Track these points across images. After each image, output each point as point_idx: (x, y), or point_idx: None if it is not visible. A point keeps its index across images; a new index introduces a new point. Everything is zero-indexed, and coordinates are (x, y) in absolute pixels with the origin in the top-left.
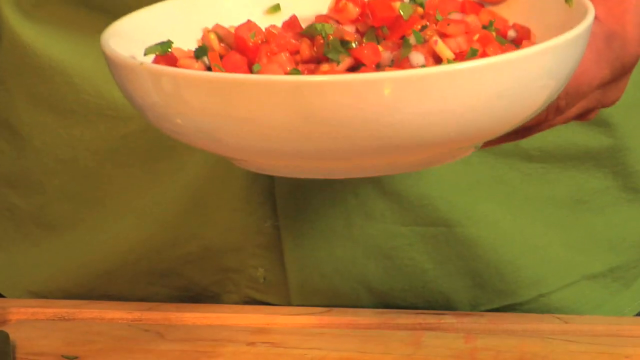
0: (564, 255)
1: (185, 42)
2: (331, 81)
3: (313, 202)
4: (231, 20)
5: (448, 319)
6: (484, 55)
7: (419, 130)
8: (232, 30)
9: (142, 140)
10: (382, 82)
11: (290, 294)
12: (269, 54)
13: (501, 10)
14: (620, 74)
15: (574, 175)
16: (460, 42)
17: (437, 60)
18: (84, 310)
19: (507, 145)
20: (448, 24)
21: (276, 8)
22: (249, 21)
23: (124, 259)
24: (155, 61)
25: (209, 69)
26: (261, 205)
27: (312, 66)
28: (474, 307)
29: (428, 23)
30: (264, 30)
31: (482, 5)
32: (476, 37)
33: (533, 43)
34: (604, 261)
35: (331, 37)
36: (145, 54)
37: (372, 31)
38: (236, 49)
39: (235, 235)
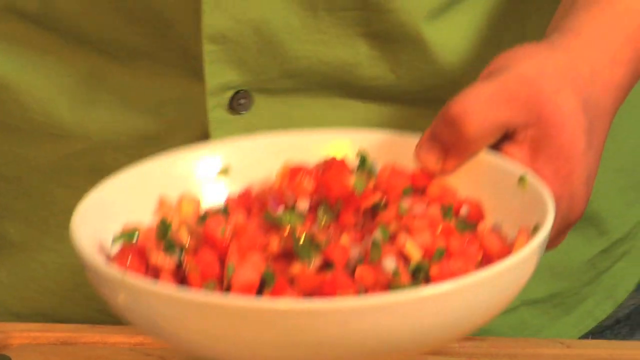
0: None
1: (145, 212)
2: (320, 309)
3: None
4: (184, 184)
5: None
6: (449, 253)
7: (389, 344)
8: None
9: (85, 161)
10: (365, 310)
11: None
12: (240, 251)
13: (450, 180)
14: (565, 230)
15: None
16: (425, 238)
17: (405, 258)
18: (86, 334)
19: None
20: (414, 219)
21: (226, 170)
22: (217, 216)
23: (74, 281)
24: (123, 252)
25: (180, 262)
26: None
27: (282, 264)
28: None
29: (384, 199)
30: (225, 203)
31: (430, 177)
32: (439, 229)
33: (484, 219)
34: (545, 288)
35: (303, 236)
36: (112, 242)
37: (326, 204)
38: (206, 243)
39: None
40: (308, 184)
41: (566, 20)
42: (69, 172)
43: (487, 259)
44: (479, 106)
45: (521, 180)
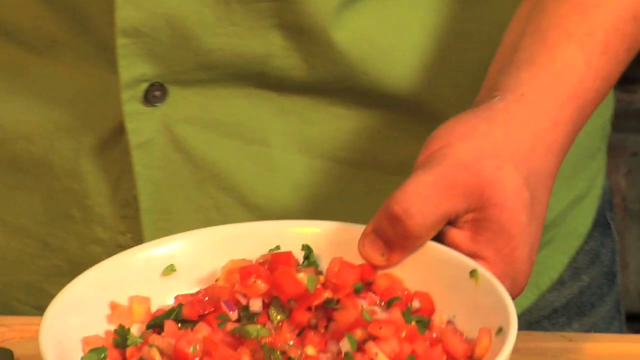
0: None
1: (99, 316)
2: None
3: (176, 216)
4: (134, 285)
5: None
6: (418, 358)
7: None
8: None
9: (4, 154)
10: None
11: None
12: None
13: (398, 272)
14: None
15: None
16: (393, 345)
17: None
18: None
19: (371, 159)
20: (380, 327)
21: (171, 269)
22: (187, 332)
23: None
24: None
25: None
26: (123, 220)
27: None
28: None
29: (333, 297)
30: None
31: (375, 270)
32: (404, 333)
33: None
34: None
35: (272, 348)
36: None
37: (277, 303)
38: None
39: (96, 249)
40: (261, 285)
41: (505, 80)
42: None
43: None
44: (420, 202)
45: (472, 273)
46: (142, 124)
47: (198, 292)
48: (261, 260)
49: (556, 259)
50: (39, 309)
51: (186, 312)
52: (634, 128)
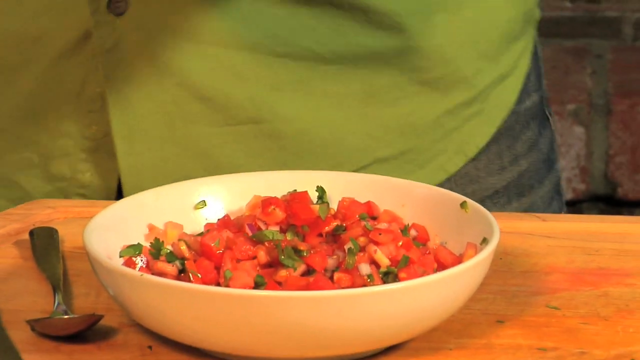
0: (359, 142)
1: (138, 233)
2: (317, 297)
3: (140, 111)
4: (170, 214)
5: None
6: (412, 261)
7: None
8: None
9: None
10: (358, 298)
11: (123, 196)
12: (232, 260)
13: (397, 210)
14: None
15: (365, 73)
16: (391, 249)
17: (376, 264)
18: None
19: (304, 51)
20: (379, 234)
21: (203, 204)
22: (211, 231)
23: None
24: (129, 261)
25: (180, 271)
26: (89, 113)
27: (271, 270)
28: None
29: (342, 223)
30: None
31: (378, 207)
32: (400, 243)
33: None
34: (395, 146)
35: (285, 246)
36: (120, 255)
37: (293, 229)
38: (203, 255)
39: (65, 141)
40: (279, 213)
41: None
42: None
43: (441, 269)
44: None
45: (462, 205)
46: (107, 31)
47: (225, 216)
48: (282, 197)
49: (483, 130)
50: (12, 201)
51: (216, 229)
52: (597, 34)
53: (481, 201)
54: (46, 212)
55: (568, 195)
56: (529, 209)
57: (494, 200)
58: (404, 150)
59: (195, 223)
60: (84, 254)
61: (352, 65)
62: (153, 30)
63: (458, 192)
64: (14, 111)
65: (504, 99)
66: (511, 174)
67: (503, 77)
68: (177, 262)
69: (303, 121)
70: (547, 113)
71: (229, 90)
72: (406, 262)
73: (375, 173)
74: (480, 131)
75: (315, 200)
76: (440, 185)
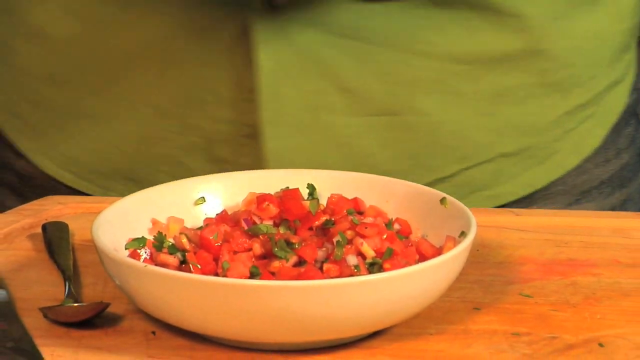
0: (485, 138)
1: (143, 228)
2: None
3: (284, 98)
4: (172, 209)
5: None
6: (395, 253)
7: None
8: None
9: (151, 50)
10: (347, 287)
11: None
12: (229, 252)
13: (382, 206)
14: None
15: (495, 74)
16: (376, 241)
17: (362, 255)
18: None
19: (441, 51)
20: (365, 227)
21: (202, 200)
22: (210, 225)
23: (139, 144)
24: (134, 253)
25: (181, 262)
26: (247, 102)
27: (265, 261)
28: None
29: (331, 218)
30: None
31: (364, 203)
32: (385, 236)
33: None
34: (517, 143)
35: (278, 239)
36: (126, 248)
37: (285, 223)
38: (202, 247)
39: (226, 127)
40: (272, 208)
41: None
42: (141, 58)
43: (423, 260)
44: None
45: (442, 201)
46: (264, 25)
47: (222, 212)
48: (275, 194)
49: (596, 131)
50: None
51: (214, 223)
52: None
53: (588, 191)
54: (57, 207)
55: None
56: (627, 199)
57: (600, 190)
58: (526, 147)
59: (195, 218)
60: (93, 246)
61: (484, 65)
62: (303, 26)
63: (570, 184)
64: (180, 98)
65: (615, 103)
66: (614, 166)
67: (615, 83)
68: (179, 254)
69: (435, 116)
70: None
71: (370, 84)
72: (390, 253)
73: (498, 168)
74: (593, 132)
75: (306, 196)
76: (559, 178)
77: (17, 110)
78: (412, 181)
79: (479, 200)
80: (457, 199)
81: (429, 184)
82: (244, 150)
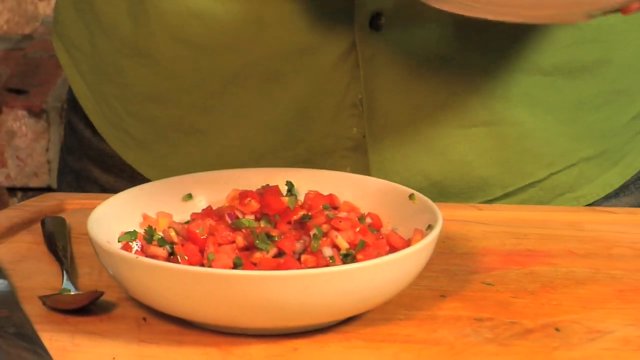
0: (568, 144)
1: (134, 222)
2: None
3: (388, 112)
4: (161, 205)
5: None
6: (367, 245)
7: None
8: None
9: (257, 68)
10: (323, 276)
11: None
12: (214, 244)
13: (355, 201)
14: None
15: (575, 83)
16: (349, 234)
17: (337, 247)
18: None
19: (530, 64)
20: (340, 221)
21: (189, 196)
22: (196, 219)
23: (244, 156)
24: (126, 246)
25: (170, 253)
26: (350, 117)
27: (247, 253)
28: (505, 188)
29: (308, 213)
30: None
31: (339, 199)
32: (358, 229)
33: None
34: (596, 147)
35: (260, 232)
36: (119, 241)
37: (266, 217)
38: (189, 240)
39: (330, 140)
40: (254, 204)
41: None
42: (244, 76)
43: (393, 251)
44: None
45: (411, 197)
46: (368, 44)
47: (208, 207)
48: (257, 190)
49: None
50: None
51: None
52: None
53: None
54: (56, 203)
55: None
56: None
57: None
58: (603, 150)
59: (183, 213)
60: (88, 239)
61: (566, 76)
62: (405, 45)
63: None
64: (287, 114)
65: None
66: None
67: None
68: (167, 246)
69: (525, 125)
70: None
71: (465, 98)
72: (363, 245)
73: (581, 171)
74: None
75: (285, 193)
76: (632, 177)
77: (124, 125)
78: (506, 186)
79: (566, 201)
80: (545, 202)
81: (521, 189)
82: (345, 162)
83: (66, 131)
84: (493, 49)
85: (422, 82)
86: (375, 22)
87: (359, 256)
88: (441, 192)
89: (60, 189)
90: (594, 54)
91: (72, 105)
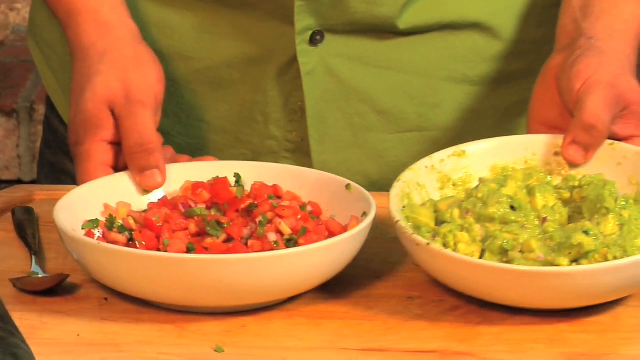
0: None
1: (96, 212)
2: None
3: (329, 120)
4: (120, 196)
5: None
6: (308, 231)
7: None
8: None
9: (209, 75)
10: (267, 260)
11: None
12: (169, 231)
13: (297, 191)
14: None
15: (502, 92)
16: (292, 221)
17: (281, 233)
18: None
19: (460, 75)
20: (283, 209)
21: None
22: (153, 208)
23: (192, 154)
24: (89, 233)
25: (129, 239)
26: (290, 122)
27: (199, 239)
28: None
29: (254, 202)
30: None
31: (282, 189)
32: (299, 216)
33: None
34: None
35: (210, 220)
36: (82, 228)
37: (216, 206)
38: (146, 227)
39: (272, 142)
40: (205, 194)
41: (590, 27)
42: (197, 82)
43: (331, 236)
44: (603, 114)
45: (347, 187)
46: (308, 58)
47: (163, 197)
48: (207, 182)
49: None
50: None
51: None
52: None
53: None
54: (25, 195)
55: None
56: None
57: None
58: None
59: (140, 203)
60: (55, 227)
61: (492, 86)
62: (341, 58)
63: None
64: (234, 117)
65: None
66: None
67: None
68: (127, 233)
69: (455, 130)
70: None
71: (402, 106)
72: (304, 231)
73: None
74: None
75: (233, 184)
76: None
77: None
78: None
79: None
80: None
81: None
82: (287, 162)
83: (45, 126)
84: (424, 61)
85: (359, 92)
86: (313, 38)
87: (301, 241)
88: (380, 190)
89: (39, 180)
90: (517, 65)
91: (49, 101)
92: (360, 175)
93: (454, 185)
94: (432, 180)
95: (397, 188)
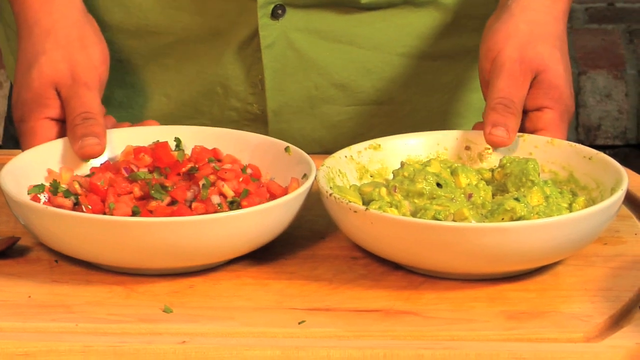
0: (452, 119)
1: (40, 177)
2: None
3: (288, 92)
4: (63, 161)
5: None
6: (250, 193)
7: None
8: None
9: (174, 49)
10: (216, 221)
11: None
12: (114, 195)
13: (236, 154)
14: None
15: (459, 66)
16: (234, 184)
17: (224, 195)
18: None
19: (417, 50)
20: (225, 172)
21: None
22: (97, 173)
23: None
24: (35, 197)
25: (74, 204)
26: (251, 94)
27: (144, 202)
28: None
29: (195, 165)
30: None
31: (222, 152)
32: (241, 179)
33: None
34: (476, 122)
35: (154, 183)
36: (28, 193)
37: (158, 170)
38: (91, 191)
39: (232, 113)
40: (147, 158)
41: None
42: (162, 56)
43: (273, 198)
44: (516, 90)
45: (286, 149)
46: (269, 32)
47: (106, 162)
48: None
49: None
50: None
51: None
52: None
53: None
54: None
55: None
56: None
57: None
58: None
59: (83, 167)
60: (2, 192)
61: (451, 60)
62: (301, 31)
63: None
64: (195, 88)
65: None
66: None
67: None
68: (73, 197)
69: (412, 104)
70: None
71: (358, 80)
72: (246, 193)
73: None
74: None
75: (174, 147)
76: None
77: None
78: None
79: None
80: None
81: None
82: (246, 130)
83: (9, 104)
84: (383, 36)
85: (318, 65)
86: (275, 11)
87: (244, 203)
88: None
89: None
90: (473, 41)
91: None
92: (314, 143)
93: (371, 176)
94: (351, 170)
95: (323, 171)
